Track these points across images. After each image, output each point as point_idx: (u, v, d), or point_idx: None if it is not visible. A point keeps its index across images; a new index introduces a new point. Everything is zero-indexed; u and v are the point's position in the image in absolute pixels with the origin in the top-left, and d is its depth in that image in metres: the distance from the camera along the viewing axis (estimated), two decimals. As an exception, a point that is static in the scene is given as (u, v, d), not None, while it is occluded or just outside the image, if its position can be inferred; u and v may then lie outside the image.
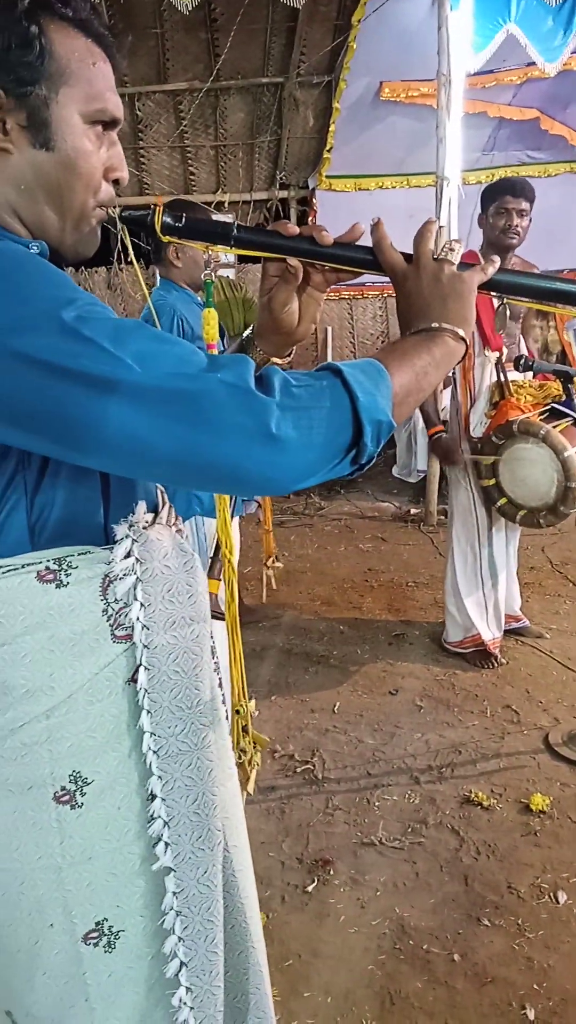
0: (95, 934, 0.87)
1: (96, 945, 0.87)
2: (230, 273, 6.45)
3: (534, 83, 5.72)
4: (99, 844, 0.87)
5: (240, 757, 1.47)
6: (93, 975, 0.87)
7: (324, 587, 4.30)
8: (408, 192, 6.58)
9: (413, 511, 5.61)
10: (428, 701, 3.06)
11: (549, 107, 6.19)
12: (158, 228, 0.98)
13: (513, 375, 3.08)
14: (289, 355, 1.10)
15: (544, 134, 6.40)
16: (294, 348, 1.10)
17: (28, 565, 0.82)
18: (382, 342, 7.57)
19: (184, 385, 0.75)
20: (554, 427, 2.88)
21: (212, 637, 0.96)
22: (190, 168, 6.66)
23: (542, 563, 4.50)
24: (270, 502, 3.66)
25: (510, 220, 2.99)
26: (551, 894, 2.06)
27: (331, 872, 2.17)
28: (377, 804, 2.45)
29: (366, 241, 0.98)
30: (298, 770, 2.63)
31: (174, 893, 0.89)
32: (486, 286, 0.99)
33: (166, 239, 1.00)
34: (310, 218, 6.75)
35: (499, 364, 3.09)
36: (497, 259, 1.02)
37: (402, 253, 0.97)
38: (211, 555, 2.13)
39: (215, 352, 1.28)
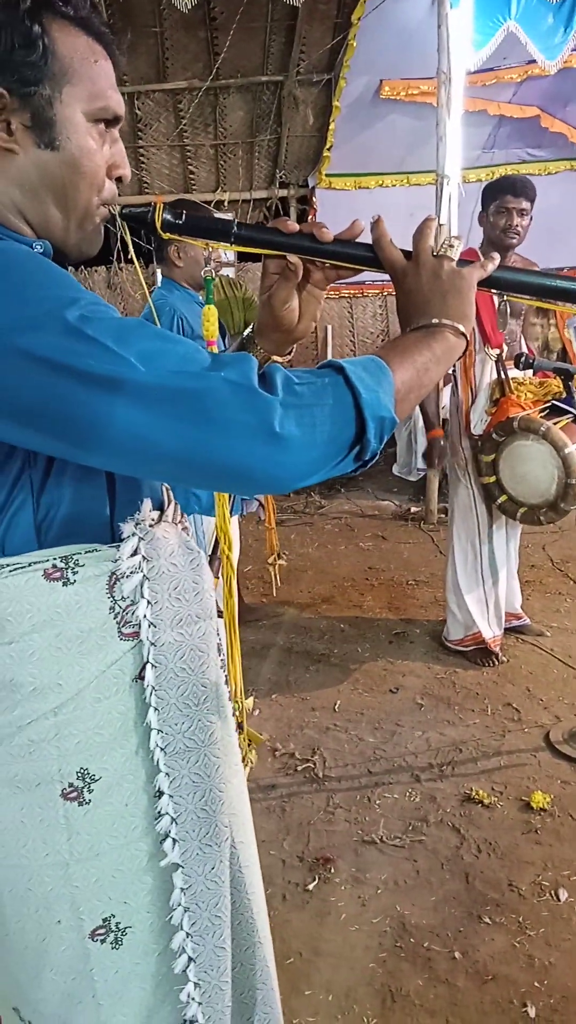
0: (102, 931, 0.88)
1: (103, 942, 0.88)
2: (230, 272, 6.45)
3: (534, 81, 5.72)
4: (106, 841, 0.87)
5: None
6: (100, 971, 0.88)
7: (325, 585, 4.30)
8: (408, 190, 6.58)
9: (413, 509, 5.61)
10: (429, 699, 3.06)
11: (549, 105, 6.19)
12: (159, 225, 0.98)
13: (513, 373, 3.09)
14: (290, 353, 1.11)
15: (544, 132, 6.40)
16: (294, 346, 1.10)
17: (35, 563, 0.82)
18: (382, 340, 7.57)
19: (188, 383, 0.75)
20: (555, 424, 2.89)
21: (218, 634, 0.97)
22: (190, 167, 6.66)
23: (543, 561, 4.50)
24: (272, 500, 3.66)
25: (510, 220, 2.99)
26: (552, 892, 2.06)
27: (332, 870, 2.17)
28: (378, 802, 2.46)
29: (366, 238, 0.98)
30: (299, 768, 2.64)
31: (182, 889, 0.89)
32: (486, 283, 0.99)
33: (167, 236, 1.00)
34: (310, 216, 6.75)
35: (499, 361, 3.10)
36: (497, 256, 1.01)
37: (402, 250, 0.98)
38: (209, 553, 2.13)
39: (215, 350, 1.28)
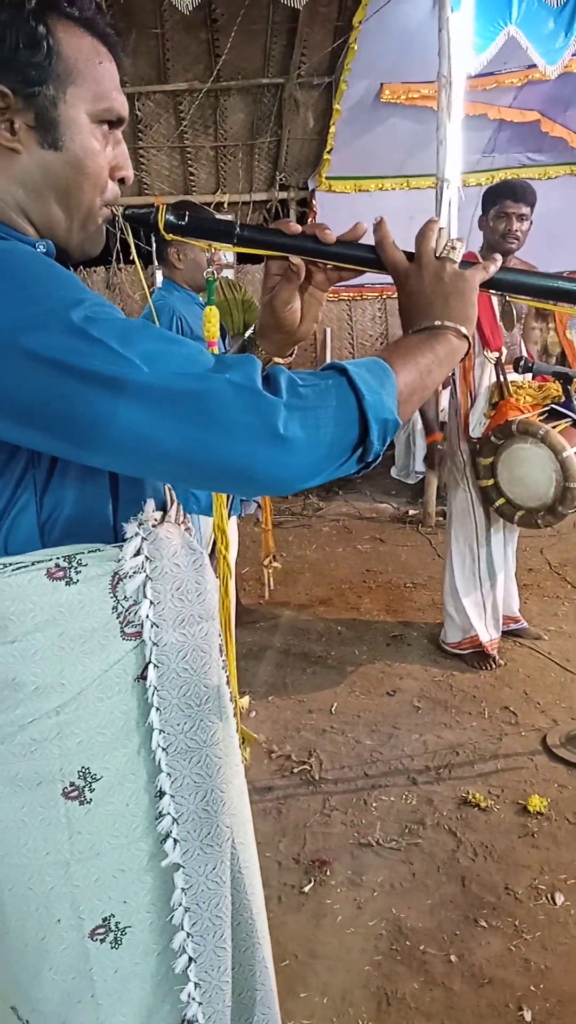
0: (102, 930, 0.88)
1: (103, 941, 0.88)
2: (229, 274, 6.46)
3: (535, 85, 5.73)
4: (107, 840, 0.87)
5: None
6: (99, 971, 0.88)
7: (322, 588, 4.30)
8: (408, 194, 6.59)
9: (411, 512, 5.61)
10: (426, 702, 3.06)
11: (550, 109, 6.21)
12: (161, 226, 0.98)
13: (512, 376, 3.09)
14: (291, 355, 1.11)
15: (545, 136, 6.41)
16: (295, 348, 1.10)
17: (38, 563, 0.82)
18: (381, 343, 7.58)
19: (191, 385, 0.75)
20: (553, 427, 2.89)
21: (220, 635, 0.97)
22: (190, 168, 6.66)
23: (540, 565, 4.50)
24: (269, 502, 3.66)
25: (510, 224, 3.00)
26: (548, 895, 2.07)
27: (328, 873, 2.17)
28: (374, 805, 2.46)
29: (368, 240, 0.99)
30: (295, 770, 2.63)
31: (183, 889, 0.90)
32: (488, 284, 0.99)
33: (169, 237, 1.00)
34: (310, 219, 6.76)
35: (499, 364, 3.10)
36: (499, 257, 1.02)
37: (404, 252, 0.98)
38: (207, 553, 2.13)
39: (215, 351, 1.28)
